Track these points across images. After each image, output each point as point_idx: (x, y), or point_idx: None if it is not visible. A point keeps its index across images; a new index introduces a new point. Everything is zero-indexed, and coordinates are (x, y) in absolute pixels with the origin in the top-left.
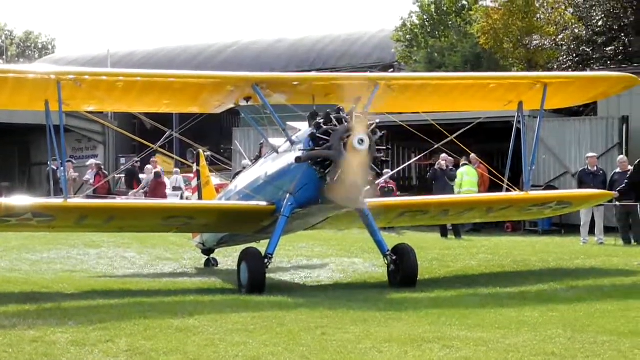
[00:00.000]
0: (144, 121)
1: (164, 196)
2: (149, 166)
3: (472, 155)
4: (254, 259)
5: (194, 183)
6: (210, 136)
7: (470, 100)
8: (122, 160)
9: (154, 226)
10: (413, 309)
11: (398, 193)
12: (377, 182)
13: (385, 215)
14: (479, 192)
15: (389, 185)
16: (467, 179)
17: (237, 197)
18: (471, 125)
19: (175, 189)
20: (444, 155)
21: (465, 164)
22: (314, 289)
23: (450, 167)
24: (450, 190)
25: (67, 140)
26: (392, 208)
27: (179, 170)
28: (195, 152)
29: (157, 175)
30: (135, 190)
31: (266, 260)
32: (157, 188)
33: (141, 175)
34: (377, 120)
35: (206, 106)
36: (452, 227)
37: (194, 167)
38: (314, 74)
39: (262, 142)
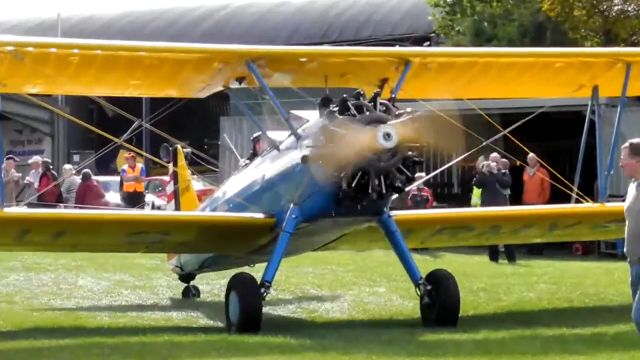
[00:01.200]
0: (105, 107)
1: (97, 204)
2: (67, 166)
3: (531, 155)
4: (247, 288)
5: (170, 188)
6: (190, 127)
7: (530, 84)
8: (75, 158)
9: (116, 244)
10: (453, 354)
11: (435, 203)
12: (407, 189)
13: (418, 232)
14: (537, 203)
15: (422, 194)
16: None
17: (225, 207)
18: (531, 117)
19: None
20: (494, 154)
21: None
22: (325, 327)
23: (503, 171)
24: (504, 200)
25: (3, 130)
26: (427, 223)
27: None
28: (171, 148)
29: (86, 177)
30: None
31: (263, 290)
32: (85, 194)
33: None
34: (409, 109)
35: (186, 89)
36: (505, 249)
37: (170, 167)
38: (326, 48)
39: (257, 135)
